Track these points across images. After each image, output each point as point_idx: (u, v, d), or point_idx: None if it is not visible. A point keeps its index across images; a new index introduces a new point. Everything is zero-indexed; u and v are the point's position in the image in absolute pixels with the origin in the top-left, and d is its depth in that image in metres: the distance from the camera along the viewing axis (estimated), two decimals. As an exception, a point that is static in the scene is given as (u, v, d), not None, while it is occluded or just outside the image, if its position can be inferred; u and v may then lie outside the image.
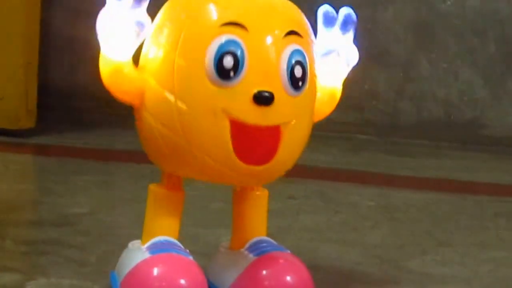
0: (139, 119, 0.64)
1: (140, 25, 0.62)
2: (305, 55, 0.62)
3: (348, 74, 0.70)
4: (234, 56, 0.59)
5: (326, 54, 0.67)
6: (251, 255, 0.67)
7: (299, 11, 0.64)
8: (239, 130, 0.60)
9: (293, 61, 0.61)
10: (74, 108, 1.74)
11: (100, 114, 1.71)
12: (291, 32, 0.61)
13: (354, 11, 0.69)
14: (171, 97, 0.61)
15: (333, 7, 0.68)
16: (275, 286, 0.64)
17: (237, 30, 0.60)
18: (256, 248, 0.67)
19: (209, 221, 0.96)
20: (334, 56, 0.68)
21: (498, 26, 1.65)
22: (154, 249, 0.64)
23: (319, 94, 0.66)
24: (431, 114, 1.66)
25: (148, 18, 0.62)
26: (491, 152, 1.58)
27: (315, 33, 0.66)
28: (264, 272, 0.64)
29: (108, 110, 1.69)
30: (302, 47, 0.62)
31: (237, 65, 0.59)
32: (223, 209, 0.88)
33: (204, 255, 0.71)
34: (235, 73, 0.59)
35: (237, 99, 0.60)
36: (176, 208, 0.67)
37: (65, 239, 0.84)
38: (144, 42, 0.63)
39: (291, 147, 0.62)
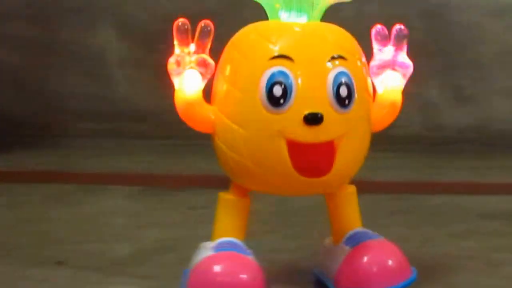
0: (214, 145, 0.74)
1: (204, 66, 0.72)
2: (350, 75, 0.70)
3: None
4: (283, 85, 0.69)
5: (382, 69, 0.75)
6: (347, 247, 0.76)
7: (345, 33, 0.74)
8: (296, 148, 0.69)
9: (338, 83, 0.69)
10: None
11: (9, 136, 1.69)
12: (335, 57, 0.70)
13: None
14: (234, 126, 0.70)
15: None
16: (373, 271, 0.74)
17: (284, 61, 0.70)
18: (352, 240, 0.77)
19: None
20: (390, 70, 0.75)
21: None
22: (218, 247, 0.73)
23: (378, 106, 0.75)
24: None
25: (211, 60, 0.72)
26: (394, 151, 1.60)
27: (371, 51, 0.75)
28: (362, 259, 0.74)
29: (17, 131, 1.68)
30: (347, 68, 0.70)
31: (286, 93, 0.69)
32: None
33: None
34: (284, 99, 0.69)
35: (290, 122, 0.69)
36: (242, 212, 0.76)
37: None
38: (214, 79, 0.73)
39: (348, 157, 0.72)
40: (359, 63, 0.73)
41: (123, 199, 1.17)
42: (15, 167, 1.45)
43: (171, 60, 0.73)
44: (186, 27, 0.72)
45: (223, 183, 1.26)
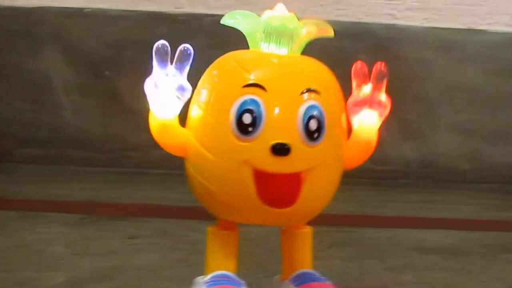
0: (185, 169, 0.74)
1: (182, 89, 0.73)
2: (322, 109, 0.71)
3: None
4: (253, 113, 0.69)
5: (359, 106, 0.76)
6: (292, 285, 0.77)
7: (322, 68, 0.75)
8: (262, 178, 0.70)
9: (309, 116, 0.70)
10: None
11: None
12: (308, 90, 0.70)
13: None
14: (204, 151, 0.71)
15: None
16: None
17: (257, 90, 0.70)
18: (298, 279, 0.77)
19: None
20: (367, 108, 0.76)
21: (343, 64, 1.70)
22: (211, 282, 0.74)
23: (352, 144, 0.76)
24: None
25: (188, 84, 0.73)
26: (340, 184, 1.61)
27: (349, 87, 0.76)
28: None
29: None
30: (320, 102, 0.71)
31: (255, 121, 0.69)
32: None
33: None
34: (253, 128, 0.69)
35: (257, 150, 0.69)
36: (231, 245, 0.77)
37: None
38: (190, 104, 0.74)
39: (314, 191, 0.72)
40: (333, 99, 0.73)
41: (62, 227, 1.16)
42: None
43: (149, 81, 0.73)
44: (165, 49, 0.73)
45: (166, 212, 1.27)
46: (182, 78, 0.73)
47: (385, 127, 1.74)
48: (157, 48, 0.73)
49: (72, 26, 1.68)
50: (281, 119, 0.70)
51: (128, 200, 1.38)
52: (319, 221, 1.28)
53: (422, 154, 1.73)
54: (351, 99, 0.76)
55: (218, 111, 0.72)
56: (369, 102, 0.76)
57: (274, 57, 0.73)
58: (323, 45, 1.68)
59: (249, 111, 0.70)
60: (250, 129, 0.70)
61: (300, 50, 0.77)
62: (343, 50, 1.69)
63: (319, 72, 0.75)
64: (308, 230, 0.80)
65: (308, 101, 0.71)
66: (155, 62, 0.73)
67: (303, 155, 0.70)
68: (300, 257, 0.79)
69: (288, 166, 0.70)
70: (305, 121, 0.70)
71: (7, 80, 1.70)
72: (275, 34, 0.74)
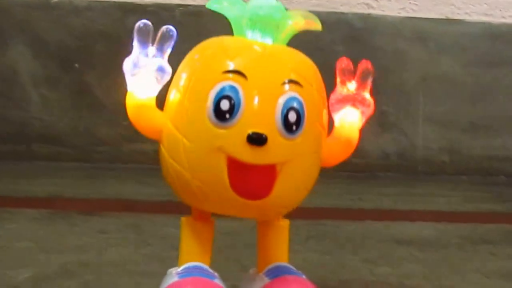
0: (159, 153, 0.73)
1: (161, 71, 0.73)
2: (302, 102, 0.69)
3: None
4: (231, 100, 0.68)
5: (342, 103, 0.75)
6: (266, 278, 0.75)
7: (307, 62, 0.74)
8: (235, 167, 0.69)
9: (288, 107, 0.68)
10: None
11: None
12: (289, 81, 0.69)
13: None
14: (179, 135, 0.70)
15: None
16: None
17: (238, 77, 0.69)
18: (272, 272, 0.76)
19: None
20: (350, 106, 0.75)
21: (320, 54, 1.70)
22: (183, 273, 0.73)
23: (333, 141, 0.75)
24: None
25: (169, 67, 0.73)
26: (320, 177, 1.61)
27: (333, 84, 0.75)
28: None
29: None
30: (301, 95, 0.69)
31: (233, 108, 0.68)
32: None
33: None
34: (231, 115, 0.68)
35: (233, 138, 0.68)
36: (205, 236, 0.76)
37: None
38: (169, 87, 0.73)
39: (289, 186, 0.71)
40: (315, 93, 0.72)
41: (29, 223, 1.15)
42: None
43: (128, 61, 0.72)
44: (147, 28, 0.72)
45: (138, 207, 1.26)
46: (162, 60, 0.73)
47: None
48: (139, 27, 0.72)
49: (38, 18, 1.67)
50: (260, 108, 0.69)
51: (98, 195, 1.36)
52: (296, 214, 1.28)
53: (400, 147, 1.73)
54: (334, 95, 0.75)
55: (196, 95, 0.70)
56: (353, 100, 0.76)
57: (258, 45, 0.72)
58: (298, 35, 1.68)
59: (228, 97, 0.69)
60: (227, 116, 0.69)
61: (286, 41, 0.76)
62: (319, 40, 1.69)
63: (302, 65, 0.73)
64: (284, 223, 0.79)
65: (289, 92, 0.70)
66: (135, 42, 0.72)
67: (279, 147, 0.69)
68: (276, 250, 0.79)
69: (263, 157, 0.69)
70: (284, 113, 0.69)
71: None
72: (260, 22, 0.73)
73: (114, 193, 1.40)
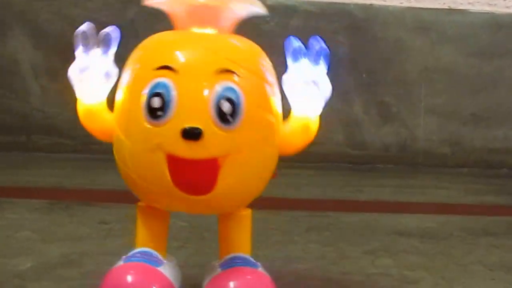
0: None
1: (107, 74, 0.72)
2: (239, 91, 0.67)
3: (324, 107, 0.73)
4: (162, 96, 0.67)
5: (295, 85, 0.71)
6: (219, 269, 0.74)
7: (247, 49, 0.72)
8: (175, 163, 0.67)
9: (221, 98, 0.67)
10: None
11: None
12: (222, 71, 0.68)
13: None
14: (122, 136, 0.70)
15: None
16: None
17: (168, 72, 0.68)
18: (227, 263, 0.74)
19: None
20: (304, 88, 0.71)
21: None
22: (128, 258, 0.74)
23: (290, 128, 0.72)
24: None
25: (115, 67, 0.73)
26: (316, 169, 1.62)
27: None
28: (223, 282, 0.72)
29: None
30: (237, 83, 0.68)
31: (164, 105, 0.67)
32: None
33: None
34: (163, 112, 0.67)
35: (169, 135, 0.67)
36: (158, 222, 0.76)
37: None
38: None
39: (235, 179, 0.69)
40: (257, 81, 0.70)
41: (31, 213, 1.15)
42: None
43: (73, 67, 0.72)
44: (87, 34, 0.72)
45: (136, 198, 1.26)
46: (107, 62, 0.72)
47: (363, 110, 1.76)
48: (79, 34, 0.72)
49: (39, 8, 1.67)
50: (192, 102, 0.68)
51: (98, 186, 1.37)
52: (296, 205, 1.29)
53: (401, 138, 1.73)
54: (286, 78, 0.72)
55: (133, 95, 0.70)
56: (307, 80, 0.72)
57: (192, 37, 0.71)
58: (298, 25, 1.68)
59: (158, 94, 0.68)
60: (159, 113, 0.67)
61: (230, 29, 0.74)
62: (320, 31, 1.68)
63: (240, 52, 0.71)
64: (245, 212, 0.77)
65: (222, 82, 0.68)
66: (78, 48, 0.72)
67: (217, 140, 0.67)
68: (234, 240, 0.77)
69: (200, 151, 0.67)
70: (217, 104, 0.67)
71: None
72: (198, 13, 0.72)
73: (114, 184, 1.40)
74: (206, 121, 0.67)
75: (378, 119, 1.71)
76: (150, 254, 0.75)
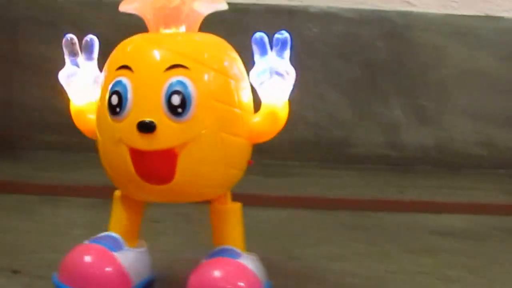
0: None
1: (92, 78, 0.78)
2: (189, 84, 0.71)
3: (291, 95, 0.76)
4: (119, 94, 0.71)
5: (262, 77, 0.74)
6: (204, 260, 0.77)
7: (202, 42, 0.75)
8: (136, 155, 0.72)
9: (171, 91, 0.70)
10: None
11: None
12: (173, 66, 0.71)
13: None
14: (97, 132, 0.76)
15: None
16: (198, 283, 0.74)
17: (126, 72, 0.72)
18: (211, 255, 0.77)
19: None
20: (269, 79, 0.74)
21: (361, 50, 1.70)
22: (90, 240, 0.78)
23: (259, 117, 0.75)
24: (301, 136, 1.69)
25: (97, 72, 0.78)
26: (358, 170, 1.62)
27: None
28: (200, 272, 0.74)
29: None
30: (188, 77, 0.71)
31: (121, 102, 0.71)
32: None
33: None
34: (120, 108, 0.71)
35: (127, 129, 0.71)
36: (131, 210, 0.80)
37: None
38: None
39: (194, 167, 0.72)
40: (212, 73, 0.72)
41: (84, 210, 1.17)
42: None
43: (61, 72, 0.80)
44: (72, 41, 0.79)
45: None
46: (92, 66, 0.79)
47: (403, 113, 1.74)
48: (65, 41, 0.79)
49: (92, 16, 1.68)
50: (146, 97, 0.71)
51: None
52: (340, 205, 1.29)
53: (439, 140, 1.72)
54: (253, 70, 0.75)
55: (102, 93, 0.75)
56: (271, 71, 0.74)
57: (153, 38, 0.75)
58: (339, 32, 1.68)
59: (116, 92, 0.72)
60: (117, 109, 0.72)
61: (195, 27, 0.77)
62: (361, 38, 1.69)
63: (195, 48, 0.74)
64: (235, 206, 0.80)
65: (173, 77, 0.71)
66: (65, 55, 0.79)
67: (170, 131, 0.71)
68: (223, 233, 0.80)
69: (156, 143, 0.71)
70: (167, 97, 0.71)
71: (27, 68, 1.70)
72: (162, 15, 0.75)
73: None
74: (159, 114, 0.71)
75: (417, 121, 1.70)
76: (114, 239, 0.78)
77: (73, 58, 0.79)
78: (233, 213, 0.80)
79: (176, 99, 0.70)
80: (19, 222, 1.10)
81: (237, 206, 0.80)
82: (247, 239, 1.06)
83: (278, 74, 0.73)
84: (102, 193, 1.25)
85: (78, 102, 0.79)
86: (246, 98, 0.75)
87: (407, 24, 1.70)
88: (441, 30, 1.71)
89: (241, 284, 0.73)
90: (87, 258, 0.76)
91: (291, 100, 1.73)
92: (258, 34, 0.75)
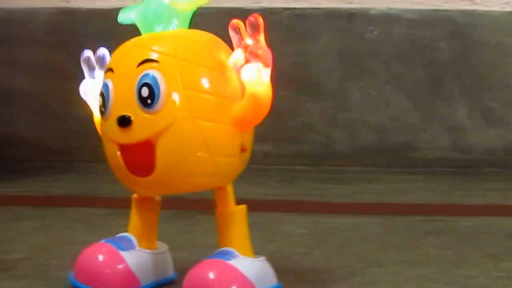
0: None
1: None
2: (156, 76, 0.74)
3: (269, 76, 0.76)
4: (103, 95, 0.76)
5: (239, 63, 0.75)
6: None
7: (175, 38, 0.77)
8: (122, 149, 0.76)
9: (141, 85, 0.74)
10: (11, 156, 1.75)
11: (38, 162, 1.72)
12: (144, 61, 0.75)
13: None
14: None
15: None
16: (187, 282, 0.77)
17: (110, 74, 0.77)
18: (210, 256, 0.79)
19: None
20: (246, 63, 0.74)
21: (423, 52, 1.69)
22: (105, 240, 0.83)
23: (241, 103, 0.76)
24: (364, 140, 1.70)
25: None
26: (424, 174, 1.62)
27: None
28: (193, 271, 0.77)
29: (46, 157, 1.71)
30: (158, 69, 0.74)
31: (105, 102, 0.76)
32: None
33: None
34: (105, 108, 0.76)
35: (111, 126, 0.75)
36: (145, 212, 0.85)
37: (1, 285, 0.86)
38: None
39: (172, 156, 0.75)
40: (185, 64, 0.75)
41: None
42: (43, 192, 1.47)
43: (81, 87, 0.85)
44: (89, 58, 0.85)
45: (256, 206, 1.27)
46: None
47: (468, 114, 1.74)
48: (82, 59, 0.85)
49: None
50: (122, 94, 0.75)
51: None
52: (409, 210, 1.29)
53: (506, 142, 1.71)
54: (231, 58, 0.76)
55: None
56: (248, 56, 0.74)
57: (137, 39, 0.78)
58: (401, 33, 1.68)
59: (101, 94, 0.77)
60: (103, 109, 0.77)
61: (185, 24, 0.79)
62: (423, 38, 1.69)
63: (167, 42, 0.76)
64: (238, 209, 0.82)
65: (144, 71, 0.74)
66: (84, 71, 0.85)
67: (143, 123, 0.74)
68: (224, 235, 0.81)
69: (133, 136, 0.75)
70: (137, 90, 0.74)
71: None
72: (145, 19, 0.79)
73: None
74: (133, 108, 0.75)
75: (483, 123, 1.69)
76: (126, 239, 0.83)
77: (91, 71, 0.85)
78: (235, 216, 0.81)
79: (145, 91, 0.74)
80: (92, 236, 1.12)
81: (239, 208, 0.82)
82: (324, 246, 1.07)
83: (251, 55, 0.74)
84: (170, 205, 1.28)
85: (98, 114, 0.81)
86: (229, 85, 0.76)
87: (470, 23, 1.69)
88: (506, 28, 1.70)
89: (219, 285, 0.75)
90: (94, 256, 0.81)
91: (353, 104, 1.74)
92: (234, 21, 0.76)
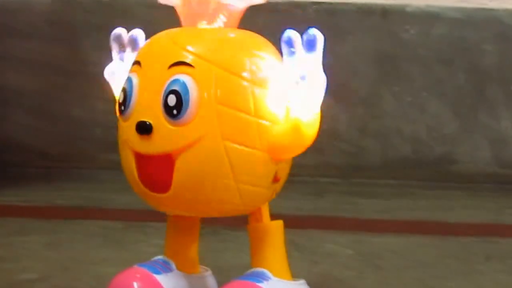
0: None
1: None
2: (189, 84, 0.66)
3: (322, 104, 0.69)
4: (125, 91, 0.69)
5: (285, 84, 0.68)
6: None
7: (216, 40, 0.69)
8: (138, 159, 0.69)
9: (168, 91, 0.66)
10: (2, 162, 1.70)
11: (33, 168, 1.66)
12: (176, 63, 0.67)
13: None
14: None
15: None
16: None
17: (136, 67, 0.70)
18: (240, 277, 0.74)
19: None
20: (293, 87, 0.67)
21: (466, 55, 1.66)
22: (142, 263, 0.76)
23: (281, 129, 0.69)
24: (397, 151, 1.66)
25: None
26: (465, 190, 1.58)
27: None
28: None
29: (42, 163, 1.66)
30: (191, 76, 0.67)
31: (125, 100, 0.69)
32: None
33: None
34: (124, 107, 0.69)
35: (130, 130, 0.69)
36: (182, 233, 0.79)
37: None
38: None
39: (190, 177, 0.68)
40: (222, 73, 0.68)
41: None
42: (42, 201, 1.42)
43: (107, 69, 0.78)
44: (119, 37, 0.77)
45: (297, 223, 1.23)
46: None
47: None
48: (112, 37, 0.77)
49: (161, 19, 1.65)
50: (147, 96, 0.69)
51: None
52: (460, 230, 1.24)
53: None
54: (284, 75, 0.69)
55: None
56: (295, 76, 0.67)
57: (171, 32, 0.72)
58: (441, 34, 1.64)
59: (123, 89, 0.70)
60: (122, 108, 0.70)
61: (233, 23, 0.73)
62: (465, 40, 1.65)
63: (207, 44, 0.69)
64: (265, 224, 0.75)
65: (175, 75, 0.67)
66: (113, 51, 0.77)
67: (166, 134, 0.68)
68: (257, 254, 0.76)
69: (152, 146, 0.68)
70: (164, 97, 0.67)
71: (90, 79, 1.67)
72: (188, 9, 0.72)
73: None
74: (157, 115, 0.68)
75: (528, 135, 1.66)
76: (162, 262, 0.77)
77: (121, 53, 0.77)
78: (269, 232, 0.75)
79: (172, 100, 0.67)
80: (111, 253, 1.07)
81: (274, 224, 0.75)
82: (377, 269, 1.01)
83: (303, 79, 0.67)
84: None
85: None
86: (271, 105, 0.69)
87: (518, 24, 1.66)
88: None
89: None
90: (127, 282, 0.74)
91: (386, 111, 1.69)
92: (287, 33, 0.67)
